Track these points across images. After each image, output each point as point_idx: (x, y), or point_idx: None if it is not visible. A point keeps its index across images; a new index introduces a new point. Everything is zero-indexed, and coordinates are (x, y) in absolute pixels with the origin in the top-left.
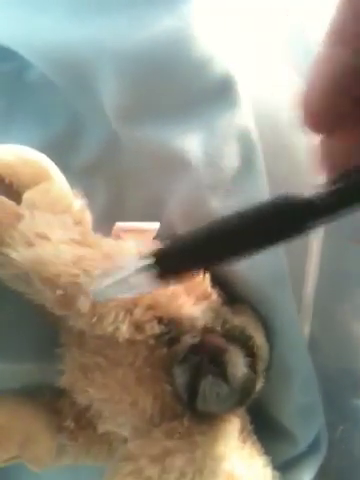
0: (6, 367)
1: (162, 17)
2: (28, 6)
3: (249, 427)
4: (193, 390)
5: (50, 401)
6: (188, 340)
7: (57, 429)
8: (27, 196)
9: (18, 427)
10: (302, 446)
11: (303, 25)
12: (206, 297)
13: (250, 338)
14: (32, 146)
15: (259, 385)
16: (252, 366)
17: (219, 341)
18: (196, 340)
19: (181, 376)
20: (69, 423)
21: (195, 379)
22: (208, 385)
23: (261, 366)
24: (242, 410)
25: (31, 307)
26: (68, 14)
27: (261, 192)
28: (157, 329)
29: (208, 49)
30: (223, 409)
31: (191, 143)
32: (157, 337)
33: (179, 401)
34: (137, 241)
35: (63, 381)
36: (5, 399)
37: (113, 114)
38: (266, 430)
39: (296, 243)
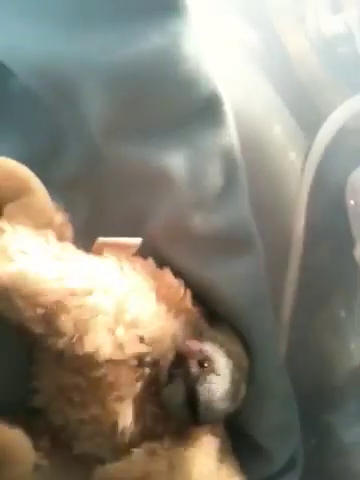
0: None
1: (151, 34)
2: (15, 16)
3: (227, 445)
4: (192, 403)
5: (24, 420)
6: (168, 358)
7: (33, 449)
8: (8, 209)
9: None
10: (279, 464)
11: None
12: (185, 311)
13: (224, 343)
14: (14, 158)
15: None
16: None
17: (194, 344)
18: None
19: (176, 395)
20: (45, 443)
21: (192, 392)
22: (206, 389)
23: (238, 374)
24: (221, 428)
25: (3, 324)
26: (57, 27)
27: (243, 210)
28: (139, 348)
29: (196, 68)
30: (226, 409)
31: (175, 161)
32: (140, 358)
33: (160, 421)
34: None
35: (38, 400)
36: None
37: (97, 129)
38: (243, 449)
39: (277, 256)
